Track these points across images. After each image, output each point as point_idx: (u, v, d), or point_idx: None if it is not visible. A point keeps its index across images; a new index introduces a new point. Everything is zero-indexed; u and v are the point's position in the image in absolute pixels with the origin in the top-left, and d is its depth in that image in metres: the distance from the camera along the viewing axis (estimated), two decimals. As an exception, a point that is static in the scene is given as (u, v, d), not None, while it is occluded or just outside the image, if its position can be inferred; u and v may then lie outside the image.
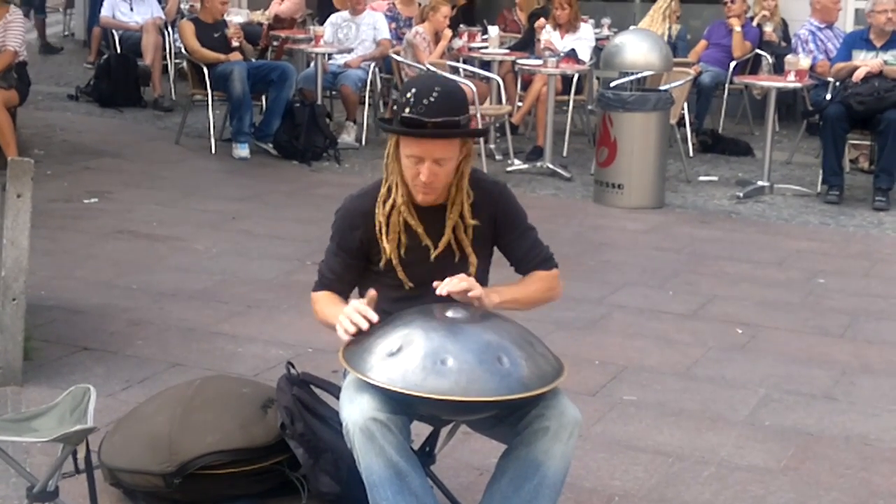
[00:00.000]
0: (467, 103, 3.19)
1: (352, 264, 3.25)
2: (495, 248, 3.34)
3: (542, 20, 10.09)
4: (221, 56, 9.36)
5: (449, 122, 3.05)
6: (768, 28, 10.90)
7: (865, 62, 8.37)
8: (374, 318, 2.97)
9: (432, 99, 3.03)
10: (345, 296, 3.26)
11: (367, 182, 3.34)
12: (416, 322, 2.93)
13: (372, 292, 3.08)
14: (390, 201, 3.17)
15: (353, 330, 2.97)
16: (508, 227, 3.29)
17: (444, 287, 3.02)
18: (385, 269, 3.19)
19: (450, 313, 2.96)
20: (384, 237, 3.17)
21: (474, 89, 9.08)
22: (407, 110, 3.04)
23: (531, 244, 3.33)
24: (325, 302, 3.25)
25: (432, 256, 3.18)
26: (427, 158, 3.07)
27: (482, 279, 3.25)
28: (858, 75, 8.27)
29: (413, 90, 3.06)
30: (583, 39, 9.97)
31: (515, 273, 3.36)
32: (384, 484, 2.87)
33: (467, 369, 2.80)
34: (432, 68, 9.06)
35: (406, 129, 3.07)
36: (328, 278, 3.27)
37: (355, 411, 2.88)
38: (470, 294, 3.04)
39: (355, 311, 3.00)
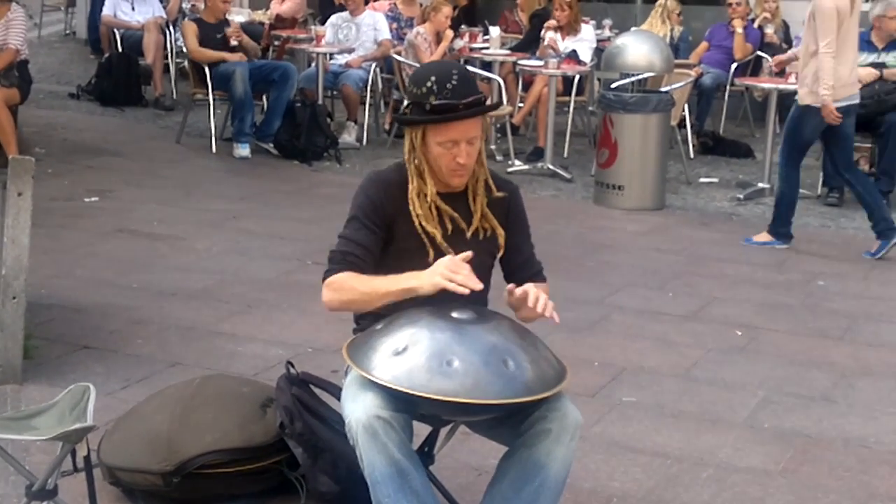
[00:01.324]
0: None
1: (378, 236, 3.17)
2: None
3: (551, 21, 10.09)
4: (225, 54, 9.35)
5: (478, 100, 3.10)
6: (769, 30, 10.91)
7: (862, 73, 8.35)
8: (478, 285, 2.90)
9: (455, 82, 3.07)
10: (369, 274, 3.13)
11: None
12: (423, 322, 2.93)
13: (468, 254, 2.98)
14: (425, 194, 3.16)
15: (460, 290, 2.87)
16: (517, 227, 3.32)
17: (548, 309, 3.01)
18: (434, 261, 3.06)
19: (456, 314, 2.95)
20: (426, 227, 3.15)
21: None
22: (433, 98, 3.06)
23: (532, 253, 3.37)
24: (355, 277, 3.08)
25: (468, 234, 3.20)
26: (462, 140, 3.10)
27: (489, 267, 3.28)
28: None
29: (433, 77, 3.08)
30: (584, 41, 9.98)
31: (506, 281, 3.31)
32: (386, 481, 2.87)
33: (473, 371, 2.80)
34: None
35: (442, 116, 3.08)
36: (353, 255, 3.12)
37: (359, 408, 2.88)
38: (548, 308, 3.03)
39: (461, 271, 2.90)
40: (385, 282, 3.05)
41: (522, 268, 3.32)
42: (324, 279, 3.15)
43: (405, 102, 3.19)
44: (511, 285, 3.13)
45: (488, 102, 3.19)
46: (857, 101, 7.01)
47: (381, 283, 3.06)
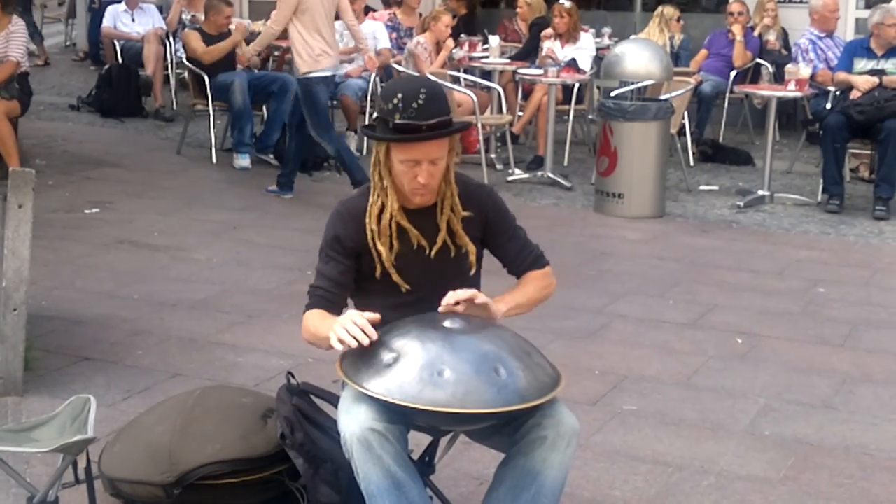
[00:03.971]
0: (447, 98, 3.18)
1: (348, 266, 3.20)
2: (489, 253, 3.34)
3: (549, 30, 10.10)
4: (230, 43, 9.36)
5: (442, 123, 3.06)
6: (771, 37, 10.92)
7: (860, 81, 8.38)
8: (374, 335, 2.92)
9: (421, 101, 3.03)
10: (340, 306, 3.22)
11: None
12: (413, 332, 2.93)
13: (375, 316, 3.00)
14: (386, 209, 3.16)
15: (350, 342, 2.92)
16: (499, 229, 3.30)
17: (450, 297, 3.02)
18: (381, 277, 3.18)
19: (447, 323, 2.96)
20: (377, 243, 3.16)
21: (475, 99, 9.11)
22: (397, 116, 3.03)
23: (522, 244, 3.34)
24: (314, 318, 3.18)
25: (432, 254, 3.18)
26: (424, 160, 3.08)
27: (477, 275, 3.28)
28: (855, 95, 8.32)
29: (399, 95, 3.04)
30: (583, 49, 10.00)
31: (509, 275, 3.36)
32: (382, 494, 2.87)
33: (464, 381, 2.80)
34: (433, 78, 9.06)
35: (402, 136, 3.06)
36: (321, 289, 3.21)
37: (352, 422, 2.88)
38: (477, 301, 3.04)
39: (353, 324, 2.94)
40: (322, 327, 3.09)
41: (517, 261, 3.33)
42: (303, 312, 3.24)
43: (374, 115, 3.18)
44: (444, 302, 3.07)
45: (456, 122, 3.16)
46: (329, 73, 8.10)
47: (321, 326, 3.10)
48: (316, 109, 8.07)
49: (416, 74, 9.10)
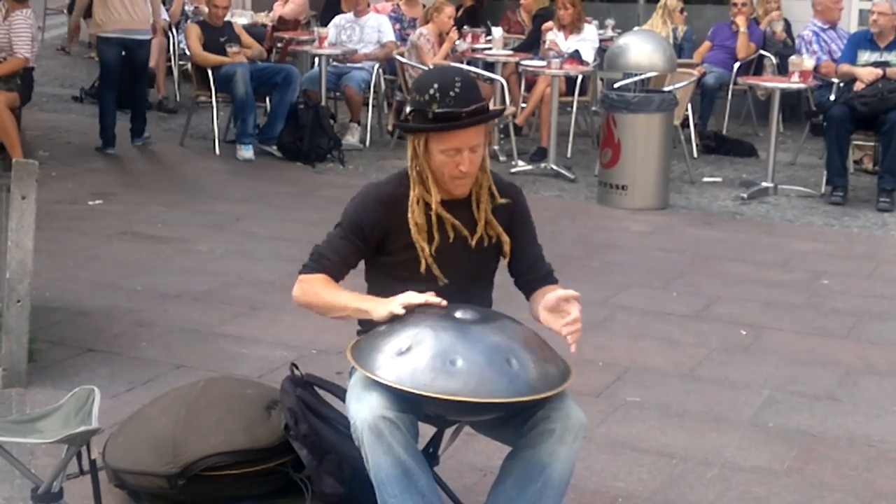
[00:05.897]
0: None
1: (360, 248, 3.20)
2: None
3: (550, 23, 10.08)
4: (225, 59, 9.38)
5: (480, 109, 3.09)
6: (778, 28, 10.90)
7: (864, 72, 8.38)
8: (443, 302, 2.97)
9: (458, 90, 3.05)
10: (338, 281, 3.22)
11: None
12: (426, 322, 2.93)
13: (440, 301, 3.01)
14: (427, 203, 3.15)
15: (418, 301, 2.96)
16: (522, 229, 3.30)
17: (572, 337, 2.99)
18: (426, 272, 3.16)
19: (459, 314, 2.96)
20: (419, 239, 3.15)
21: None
22: (435, 106, 3.04)
23: (539, 255, 3.34)
24: (324, 284, 3.18)
25: (473, 242, 3.18)
26: (465, 148, 3.09)
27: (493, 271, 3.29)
28: (859, 86, 8.32)
29: (435, 85, 3.06)
30: (586, 40, 9.98)
31: (516, 286, 3.33)
32: (392, 482, 2.87)
33: (476, 370, 2.80)
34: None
35: (444, 125, 3.06)
36: (329, 260, 3.20)
37: (364, 409, 2.88)
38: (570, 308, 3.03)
39: (415, 295, 2.99)
40: (346, 297, 3.13)
41: (529, 271, 3.31)
42: (299, 272, 3.25)
43: (408, 109, 3.18)
44: (558, 293, 3.07)
45: (492, 108, 3.18)
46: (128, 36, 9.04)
47: (341, 298, 3.14)
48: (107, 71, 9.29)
49: (426, 68, 9.08)
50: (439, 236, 3.17)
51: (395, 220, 3.17)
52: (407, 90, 9.43)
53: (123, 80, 9.35)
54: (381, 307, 3.02)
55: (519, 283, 3.33)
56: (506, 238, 3.24)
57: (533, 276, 3.30)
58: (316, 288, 3.19)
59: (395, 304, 2.99)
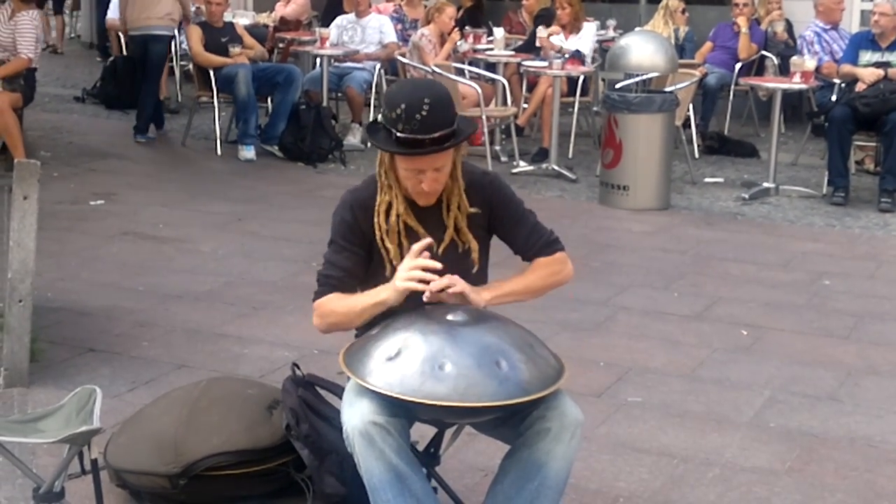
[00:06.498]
0: (453, 103, 3.12)
1: (360, 256, 3.17)
2: (499, 243, 3.32)
3: (555, 27, 10.07)
4: (227, 60, 9.38)
5: (445, 136, 3.01)
6: (779, 28, 10.91)
7: (865, 73, 8.38)
8: (438, 265, 2.98)
9: (424, 113, 2.96)
10: (354, 292, 3.18)
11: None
12: (415, 325, 2.93)
13: (427, 241, 3.04)
14: (393, 208, 3.14)
15: (417, 287, 2.96)
16: (504, 215, 3.25)
17: (430, 291, 3.00)
18: (391, 275, 3.12)
19: (449, 316, 2.94)
20: (386, 241, 3.14)
21: (480, 91, 9.11)
22: (400, 127, 2.97)
23: (531, 229, 3.28)
24: (337, 299, 3.14)
25: (439, 251, 3.14)
26: (428, 169, 3.05)
27: (483, 269, 3.25)
28: (860, 87, 8.32)
29: (402, 105, 2.97)
30: (583, 39, 9.96)
31: (522, 262, 3.32)
32: (385, 487, 2.87)
33: (466, 374, 2.79)
34: (438, 70, 9.07)
35: (405, 150, 3.01)
36: (335, 278, 3.16)
37: (355, 415, 2.88)
38: (451, 290, 3.01)
39: (411, 270, 2.98)
40: (361, 298, 3.11)
41: (526, 246, 3.27)
42: (313, 301, 3.20)
43: (379, 117, 3.10)
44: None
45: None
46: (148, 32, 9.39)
47: (357, 301, 3.12)
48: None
49: (422, 75, 9.08)
50: (407, 241, 3.13)
51: (371, 224, 3.16)
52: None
53: (136, 75, 9.60)
54: (392, 294, 3.01)
55: (522, 259, 3.31)
56: (475, 245, 3.20)
57: (528, 251, 3.28)
58: (330, 306, 3.15)
59: (399, 282, 2.99)
